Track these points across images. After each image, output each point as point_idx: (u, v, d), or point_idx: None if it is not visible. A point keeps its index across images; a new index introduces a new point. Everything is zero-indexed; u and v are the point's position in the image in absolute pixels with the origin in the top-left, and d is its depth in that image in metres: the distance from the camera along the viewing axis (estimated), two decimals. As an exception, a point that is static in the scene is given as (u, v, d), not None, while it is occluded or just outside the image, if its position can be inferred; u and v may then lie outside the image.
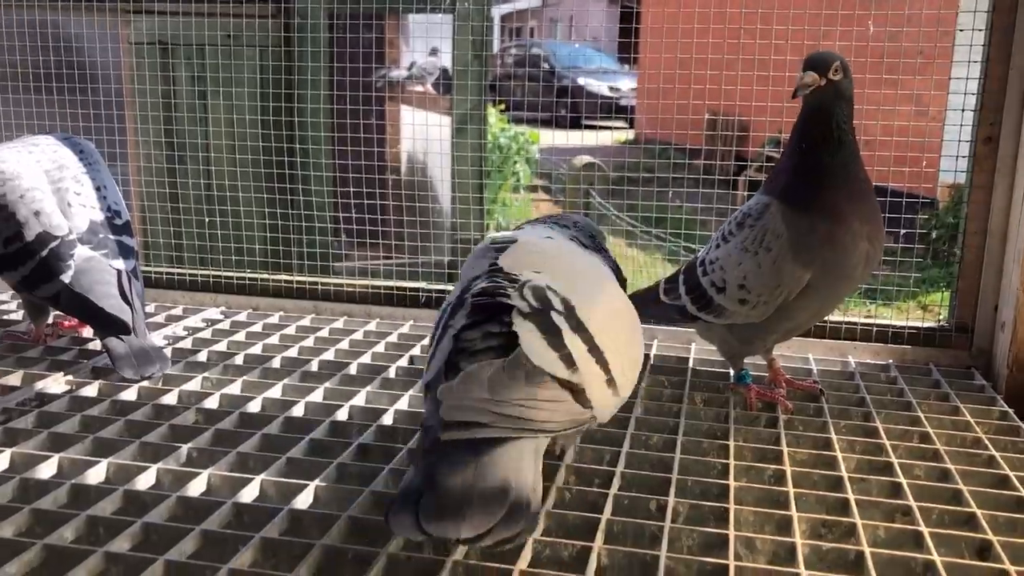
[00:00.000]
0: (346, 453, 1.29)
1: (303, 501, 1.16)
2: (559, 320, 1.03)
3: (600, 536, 1.08)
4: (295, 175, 3.04)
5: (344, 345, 1.81)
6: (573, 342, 1.03)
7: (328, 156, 3.64)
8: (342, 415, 1.44)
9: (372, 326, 1.96)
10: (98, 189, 1.72)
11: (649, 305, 1.67)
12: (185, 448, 1.29)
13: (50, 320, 1.79)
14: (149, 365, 1.54)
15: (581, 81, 8.95)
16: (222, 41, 4.29)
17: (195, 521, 1.08)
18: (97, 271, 1.61)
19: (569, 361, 1.02)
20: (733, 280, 1.46)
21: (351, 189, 2.56)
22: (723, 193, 2.19)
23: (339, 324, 1.97)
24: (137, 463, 1.24)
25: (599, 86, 9.34)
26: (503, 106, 6.91)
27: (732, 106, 2.19)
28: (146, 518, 1.08)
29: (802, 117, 1.44)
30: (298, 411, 1.46)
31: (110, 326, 1.57)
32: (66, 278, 1.58)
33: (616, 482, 1.22)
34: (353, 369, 1.66)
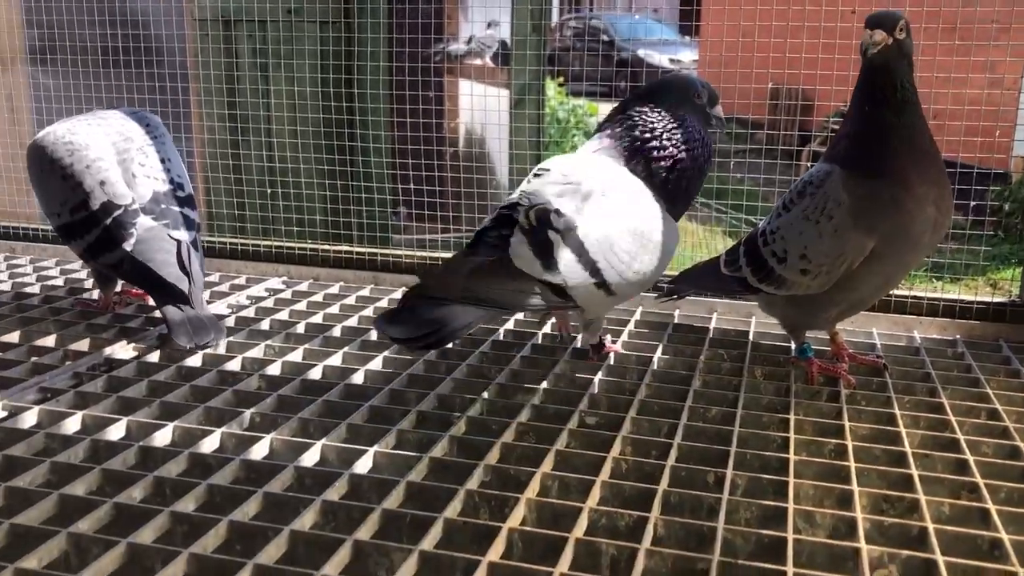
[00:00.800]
0: (405, 420, 1.30)
1: (362, 466, 1.17)
2: (553, 236, 1.36)
3: (657, 507, 1.07)
4: (355, 147, 3.07)
5: (402, 315, 1.82)
6: (562, 253, 1.36)
7: (387, 128, 3.65)
8: (400, 383, 1.46)
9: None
10: (163, 161, 1.75)
11: (710, 277, 1.65)
12: (248, 413, 1.32)
13: (118, 288, 1.84)
14: (204, 334, 1.55)
15: (641, 53, 8.82)
16: (283, 15, 4.34)
17: (257, 484, 1.11)
18: (158, 240, 1.64)
19: (552, 267, 1.36)
20: (794, 250, 1.44)
21: (410, 161, 2.57)
22: (785, 165, 2.14)
23: (397, 295, 1.99)
24: (202, 427, 1.28)
25: (659, 58, 9.19)
26: (562, 79, 6.85)
27: (796, 76, 2.14)
28: (211, 480, 1.11)
29: (863, 79, 1.40)
30: (358, 378, 1.48)
31: (168, 295, 1.59)
32: (128, 246, 1.62)
33: (673, 454, 1.21)
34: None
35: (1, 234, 2.37)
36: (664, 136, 1.47)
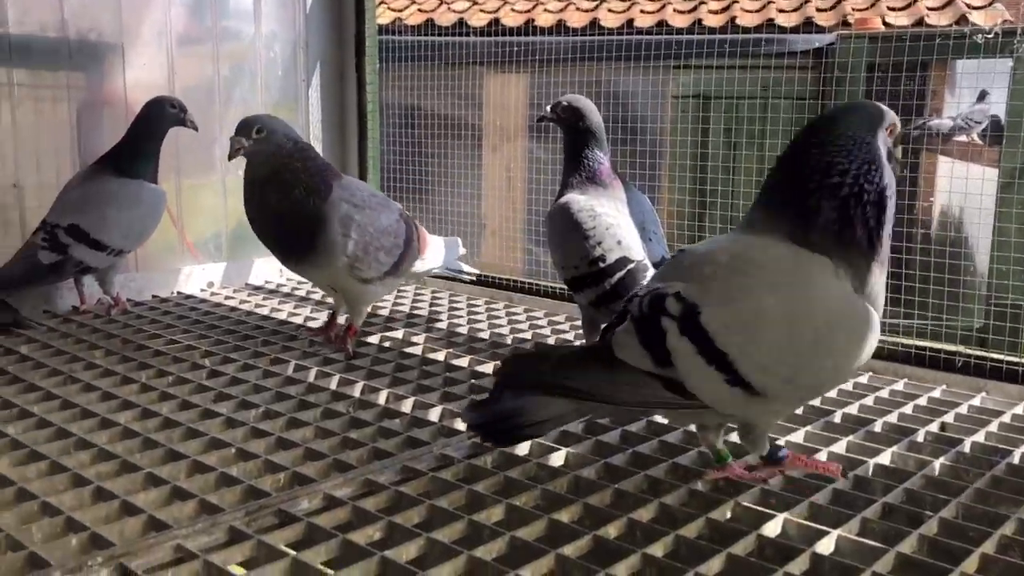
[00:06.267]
0: (869, 508, 1.27)
1: (824, 546, 1.17)
2: (668, 324, 1.22)
3: None
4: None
5: (868, 401, 1.77)
6: (679, 344, 1.21)
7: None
8: (862, 470, 1.42)
9: (899, 386, 1.88)
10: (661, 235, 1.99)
11: None
12: (712, 475, 1.38)
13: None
14: None
15: None
16: (759, 94, 4.46)
17: (722, 544, 1.16)
18: None
19: (663, 359, 1.22)
20: None
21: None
22: None
23: (863, 380, 1.92)
24: (670, 481, 1.37)
25: None
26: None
27: None
28: (678, 531, 1.19)
29: None
30: (819, 458, 1.47)
31: None
32: None
33: None
34: (877, 427, 1.62)
35: (504, 285, 2.73)
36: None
